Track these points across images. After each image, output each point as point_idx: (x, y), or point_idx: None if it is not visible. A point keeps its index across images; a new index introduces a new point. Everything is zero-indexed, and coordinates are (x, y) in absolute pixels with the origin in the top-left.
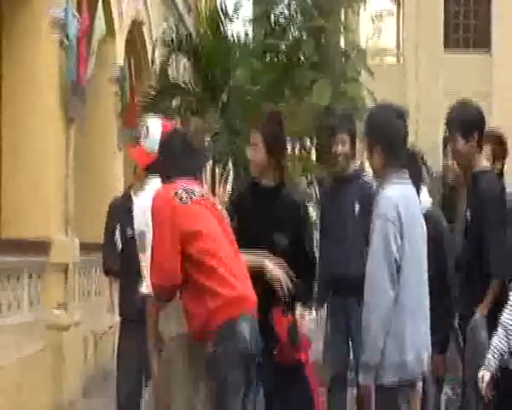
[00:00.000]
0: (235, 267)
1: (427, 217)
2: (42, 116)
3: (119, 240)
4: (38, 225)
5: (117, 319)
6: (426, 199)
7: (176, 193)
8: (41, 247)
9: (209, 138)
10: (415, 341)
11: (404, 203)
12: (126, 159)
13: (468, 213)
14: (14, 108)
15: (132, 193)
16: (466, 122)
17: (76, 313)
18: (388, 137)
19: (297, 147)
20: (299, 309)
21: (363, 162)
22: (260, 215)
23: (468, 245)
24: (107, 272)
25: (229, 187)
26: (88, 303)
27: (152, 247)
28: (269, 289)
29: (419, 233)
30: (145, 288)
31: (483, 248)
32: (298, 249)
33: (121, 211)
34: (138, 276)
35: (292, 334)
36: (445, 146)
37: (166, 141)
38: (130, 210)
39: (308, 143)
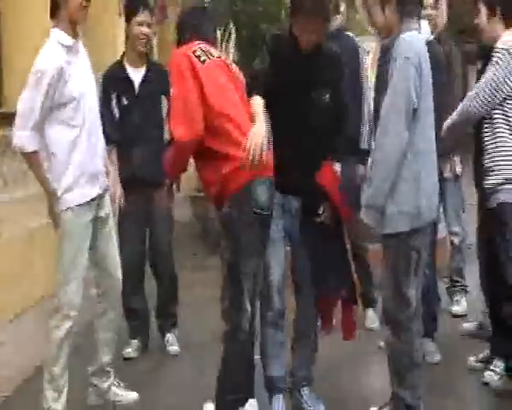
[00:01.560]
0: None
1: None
2: None
3: (115, 109)
4: None
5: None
6: (427, 30)
7: (194, 52)
8: None
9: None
10: (427, 185)
11: (421, 49)
12: None
13: None
14: None
15: (125, 62)
16: None
17: None
18: None
19: None
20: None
21: (343, 18)
22: (300, 74)
23: None
24: (106, 142)
25: (231, 49)
26: None
27: (173, 102)
28: (315, 145)
29: (429, 81)
30: None
31: None
32: (337, 104)
33: (117, 80)
34: (135, 143)
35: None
36: None
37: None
38: (126, 79)
39: None
